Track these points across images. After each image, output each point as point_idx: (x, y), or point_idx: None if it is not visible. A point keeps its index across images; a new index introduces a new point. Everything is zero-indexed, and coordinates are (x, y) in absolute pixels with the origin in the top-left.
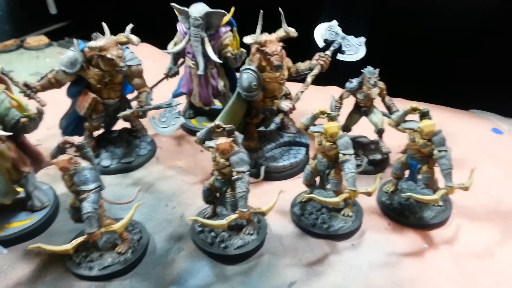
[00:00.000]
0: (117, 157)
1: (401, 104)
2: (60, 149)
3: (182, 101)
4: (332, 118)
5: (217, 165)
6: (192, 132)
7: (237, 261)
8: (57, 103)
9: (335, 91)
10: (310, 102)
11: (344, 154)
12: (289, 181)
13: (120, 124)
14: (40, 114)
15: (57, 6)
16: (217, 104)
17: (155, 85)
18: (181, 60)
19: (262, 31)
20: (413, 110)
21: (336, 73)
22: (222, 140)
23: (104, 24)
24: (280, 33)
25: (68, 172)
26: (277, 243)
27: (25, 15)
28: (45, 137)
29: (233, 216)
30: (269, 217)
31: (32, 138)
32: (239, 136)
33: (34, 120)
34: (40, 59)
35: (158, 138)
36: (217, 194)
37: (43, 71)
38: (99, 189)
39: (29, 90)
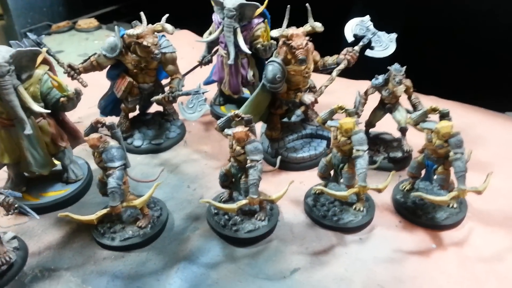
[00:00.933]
0: (148, 138)
1: (434, 102)
2: (93, 128)
3: (213, 88)
4: (349, 114)
5: (233, 152)
6: (220, 118)
7: (246, 244)
8: (98, 84)
9: (365, 85)
10: (339, 95)
11: (357, 150)
12: (308, 172)
13: (155, 108)
14: (78, 95)
15: None
16: (246, 92)
17: (189, 72)
18: (215, 48)
19: (296, 24)
20: (433, 110)
21: (369, 67)
22: (239, 129)
23: (142, 14)
24: (307, 27)
25: (97, 149)
26: (287, 231)
27: None
28: (86, 115)
29: (243, 201)
30: (283, 205)
31: (74, 115)
32: (263, 126)
33: (72, 100)
34: (89, 41)
35: (188, 122)
36: (233, 180)
37: (91, 53)
38: (124, 166)
39: (72, 71)
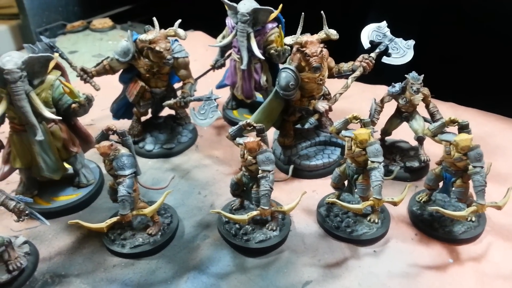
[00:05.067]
0: (160, 142)
1: (452, 109)
2: (104, 135)
3: (225, 93)
4: (364, 124)
5: (245, 162)
6: (233, 123)
7: (257, 254)
8: (111, 87)
9: (382, 90)
10: (355, 100)
11: (372, 162)
12: (320, 180)
13: (166, 111)
14: (89, 101)
15: None
16: (259, 96)
17: (201, 75)
18: (228, 52)
19: (310, 31)
20: (452, 122)
21: (384, 73)
22: (250, 139)
23: (154, 19)
24: (321, 35)
25: (108, 157)
26: (299, 241)
27: None
28: (98, 117)
29: (254, 212)
30: (295, 215)
31: (87, 118)
32: (275, 132)
33: (84, 106)
34: (104, 41)
35: (200, 126)
36: (245, 188)
37: (105, 53)
38: (134, 174)
39: (85, 75)
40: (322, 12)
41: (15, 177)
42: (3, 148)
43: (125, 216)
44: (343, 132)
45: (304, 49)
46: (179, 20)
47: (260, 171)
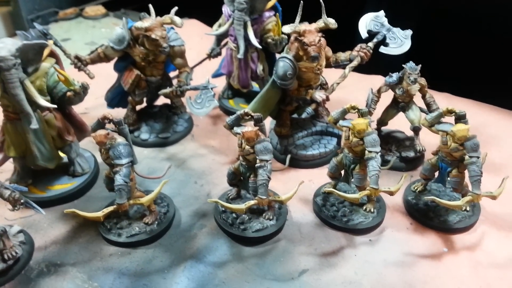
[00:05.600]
0: (155, 132)
1: (447, 100)
2: (100, 124)
3: (221, 82)
4: (362, 114)
5: (242, 151)
6: (229, 112)
7: (254, 243)
8: (105, 74)
9: (378, 80)
10: (351, 90)
11: (370, 152)
12: (317, 170)
13: (162, 100)
14: (85, 89)
15: None
16: (255, 86)
17: (197, 64)
18: (224, 41)
19: (308, 20)
20: (449, 112)
21: (381, 62)
22: (248, 128)
23: (150, 6)
24: (320, 24)
25: (104, 146)
26: (296, 231)
27: None
28: (93, 106)
29: (252, 202)
30: (291, 204)
31: (81, 106)
32: (272, 122)
33: (79, 95)
34: (96, 28)
35: (196, 116)
36: (242, 178)
37: (98, 41)
38: (131, 164)
39: (79, 63)
40: (321, 0)
41: (9, 166)
42: None
43: (121, 205)
44: (341, 122)
45: (302, 38)
46: (176, 8)
47: (258, 161)
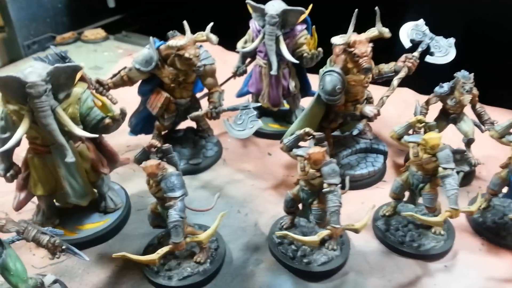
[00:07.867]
0: (185, 158)
1: (497, 113)
2: (145, 153)
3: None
4: (430, 128)
5: (306, 175)
6: (257, 133)
7: (321, 278)
8: (124, 101)
9: (405, 93)
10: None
11: (445, 169)
12: (366, 190)
13: (185, 123)
14: (124, 115)
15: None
16: (285, 105)
17: (222, 84)
18: (249, 59)
19: (339, 32)
20: None
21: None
22: (315, 149)
23: (185, 23)
24: (372, 33)
25: (155, 178)
26: (362, 261)
27: (84, 7)
28: (112, 133)
29: (325, 232)
30: (350, 231)
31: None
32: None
33: (118, 121)
34: (98, 52)
35: (223, 139)
36: (299, 205)
37: (102, 65)
38: (185, 196)
39: (101, 88)
40: (376, 8)
41: (28, 205)
42: (19, 173)
43: (178, 244)
44: (406, 138)
45: (352, 49)
46: (212, 23)
47: (325, 185)
